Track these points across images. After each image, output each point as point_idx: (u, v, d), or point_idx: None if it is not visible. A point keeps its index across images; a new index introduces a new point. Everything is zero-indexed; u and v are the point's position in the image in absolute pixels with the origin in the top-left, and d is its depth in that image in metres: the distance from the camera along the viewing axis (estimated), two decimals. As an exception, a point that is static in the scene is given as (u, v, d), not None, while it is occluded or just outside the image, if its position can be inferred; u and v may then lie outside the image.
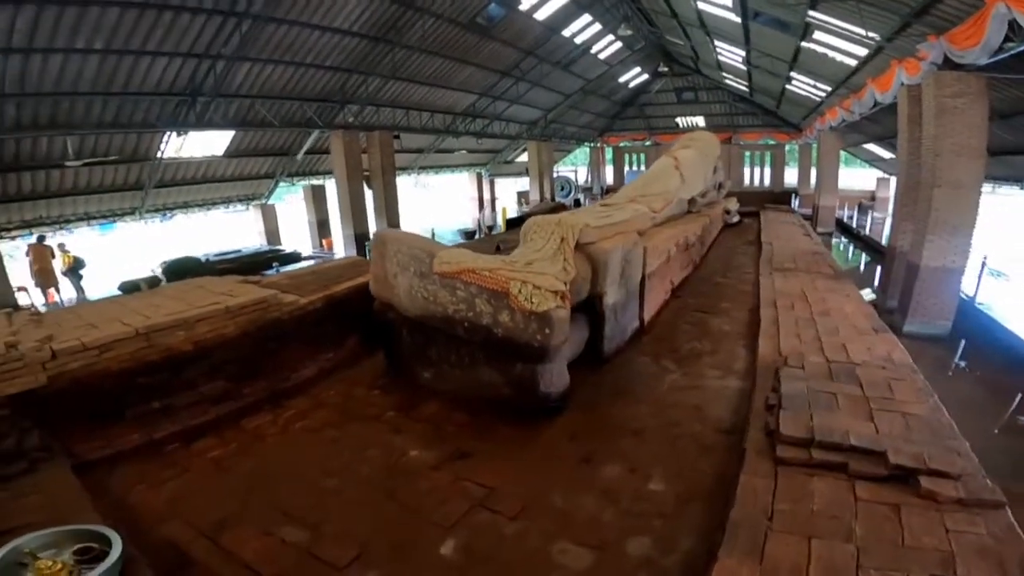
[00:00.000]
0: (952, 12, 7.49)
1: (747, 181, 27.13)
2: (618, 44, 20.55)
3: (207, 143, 13.22)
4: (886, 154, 21.09)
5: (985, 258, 11.22)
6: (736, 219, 12.62)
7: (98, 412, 3.43)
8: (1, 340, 3.37)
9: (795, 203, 22.51)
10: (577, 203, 24.27)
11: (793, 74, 16.25)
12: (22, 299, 11.23)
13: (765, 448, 2.69)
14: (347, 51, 12.69)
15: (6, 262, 12.59)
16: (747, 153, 27.27)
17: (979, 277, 10.94)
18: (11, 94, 8.80)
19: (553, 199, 24.84)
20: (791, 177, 27.23)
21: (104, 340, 3.56)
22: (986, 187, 10.38)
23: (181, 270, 11.00)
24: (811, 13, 10.45)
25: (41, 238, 11.81)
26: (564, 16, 16.22)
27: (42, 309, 8.68)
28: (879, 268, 12.95)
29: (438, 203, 32.23)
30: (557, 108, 24.44)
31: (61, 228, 12.59)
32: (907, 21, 8.71)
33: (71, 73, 9.10)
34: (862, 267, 16.28)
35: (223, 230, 20.55)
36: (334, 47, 12.29)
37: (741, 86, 23.74)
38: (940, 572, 1.86)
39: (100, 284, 12.89)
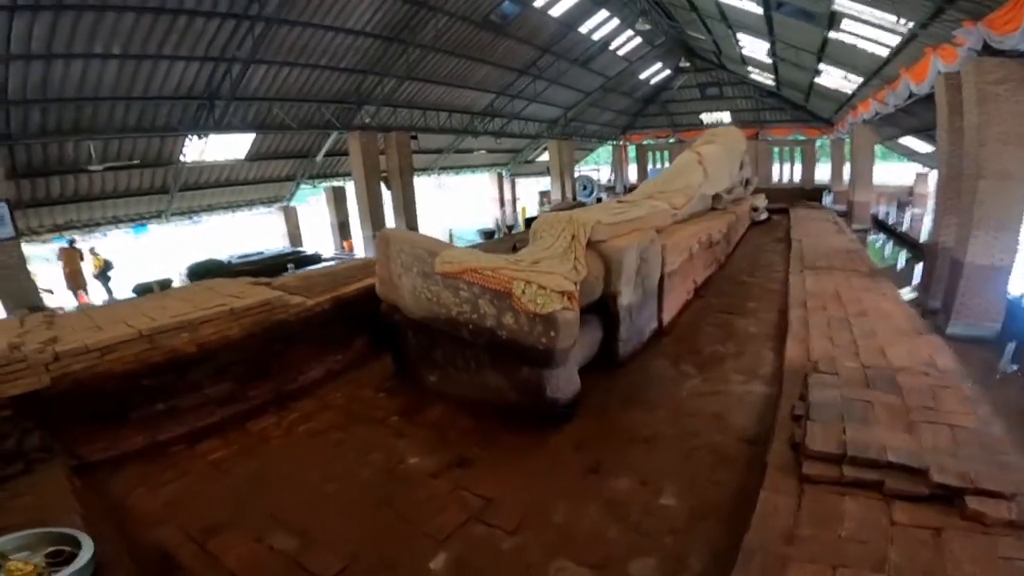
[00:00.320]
0: (989, -4, 7.02)
1: (776, 177, 26.31)
2: (637, 40, 20.18)
3: (228, 146, 13.44)
4: (924, 147, 20.15)
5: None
6: (764, 216, 12.16)
7: (102, 414, 3.43)
8: (7, 341, 3.39)
9: (828, 200, 21.71)
10: (599, 202, 23.91)
11: (821, 66, 15.64)
12: (52, 301, 11.60)
13: (789, 463, 2.42)
14: (361, 52, 12.73)
15: (39, 265, 13.08)
16: (776, 149, 26.43)
17: (1029, 275, 10.21)
18: (34, 100, 9.05)
19: (575, 198, 24.54)
20: (823, 173, 26.29)
21: (107, 342, 3.56)
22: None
23: (204, 272, 11.20)
24: (838, 1, 9.97)
25: (71, 242, 12.17)
26: (580, 12, 15.98)
27: (68, 311, 8.89)
28: (918, 266, 12.28)
29: (460, 204, 32.29)
30: (577, 106, 24.16)
31: (91, 232, 12.97)
32: (940, 6, 8.22)
33: (92, 78, 9.32)
34: (901, 265, 15.53)
35: (250, 232, 21.01)
36: (348, 48, 12.33)
37: (767, 80, 23.06)
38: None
39: (130, 286, 13.19)
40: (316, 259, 14.57)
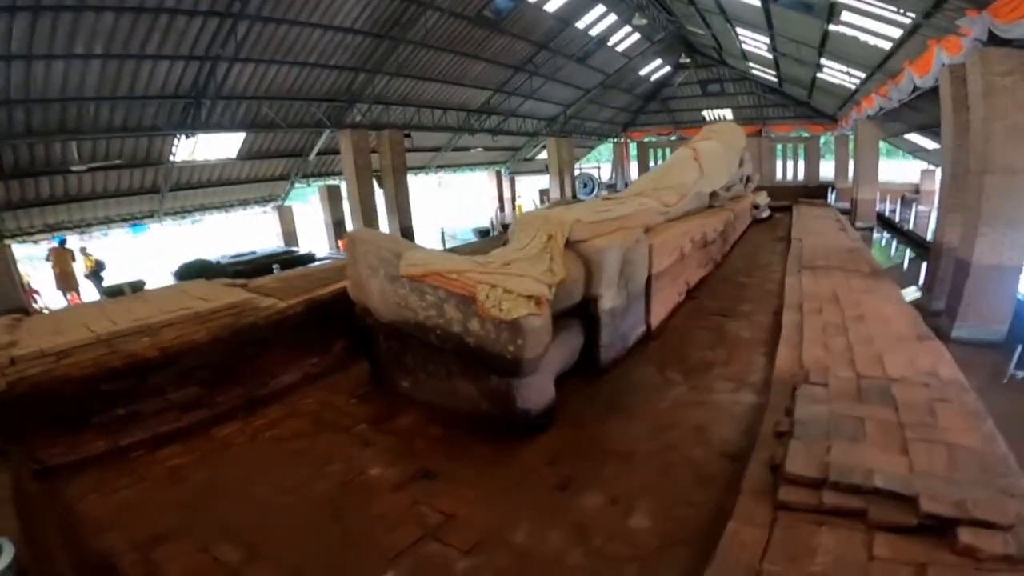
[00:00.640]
0: (995, -18, 6.75)
1: (779, 175, 25.99)
2: (636, 36, 19.91)
3: (220, 146, 13.30)
4: (930, 144, 19.79)
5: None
6: (766, 214, 11.89)
7: (62, 418, 3.36)
8: (-35, 346, 3.32)
9: (832, 197, 21.39)
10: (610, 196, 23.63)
11: (823, 61, 15.35)
12: (47, 302, 11.52)
13: (766, 488, 2.19)
14: (351, 49, 12.55)
15: (31, 266, 13.00)
16: (779, 146, 26.14)
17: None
18: (18, 100, 8.95)
19: (575, 196, 24.29)
20: (827, 170, 25.95)
21: (63, 346, 3.52)
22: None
23: (192, 272, 11.04)
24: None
25: (62, 241, 12.06)
26: (576, 7, 15.75)
27: (46, 313, 8.75)
28: (924, 265, 11.98)
29: (460, 202, 32.14)
30: (576, 103, 23.90)
31: (83, 232, 12.89)
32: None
33: (74, 78, 9.23)
34: (905, 264, 15.22)
35: (247, 231, 21.00)
36: (337, 45, 12.16)
37: (769, 76, 22.74)
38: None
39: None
40: (309, 259, 14.40)
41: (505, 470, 2.98)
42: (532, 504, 2.65)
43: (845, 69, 15.18)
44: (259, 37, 10.50)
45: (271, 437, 3.58)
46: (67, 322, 4.23)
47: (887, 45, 11.29)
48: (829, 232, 9.29)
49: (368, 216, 14.49)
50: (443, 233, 18.51)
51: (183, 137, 11.65)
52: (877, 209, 20.34)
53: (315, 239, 18.34)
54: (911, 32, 9.89)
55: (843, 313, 4.56)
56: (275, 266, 11.97)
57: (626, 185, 28.13)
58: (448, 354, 3.53)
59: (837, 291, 5.28)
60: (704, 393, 3.79)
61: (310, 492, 2.89)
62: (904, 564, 1.75)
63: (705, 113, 27.58)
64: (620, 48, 20.61)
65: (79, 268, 12.47)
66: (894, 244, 18.51)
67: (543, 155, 27.54)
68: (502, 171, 27.53)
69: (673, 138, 28.00)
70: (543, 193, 27.33)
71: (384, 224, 15.71)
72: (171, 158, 12.54)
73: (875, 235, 19.09)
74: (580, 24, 17.06)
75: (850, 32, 11.74)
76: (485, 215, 26.04)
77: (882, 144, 21.18)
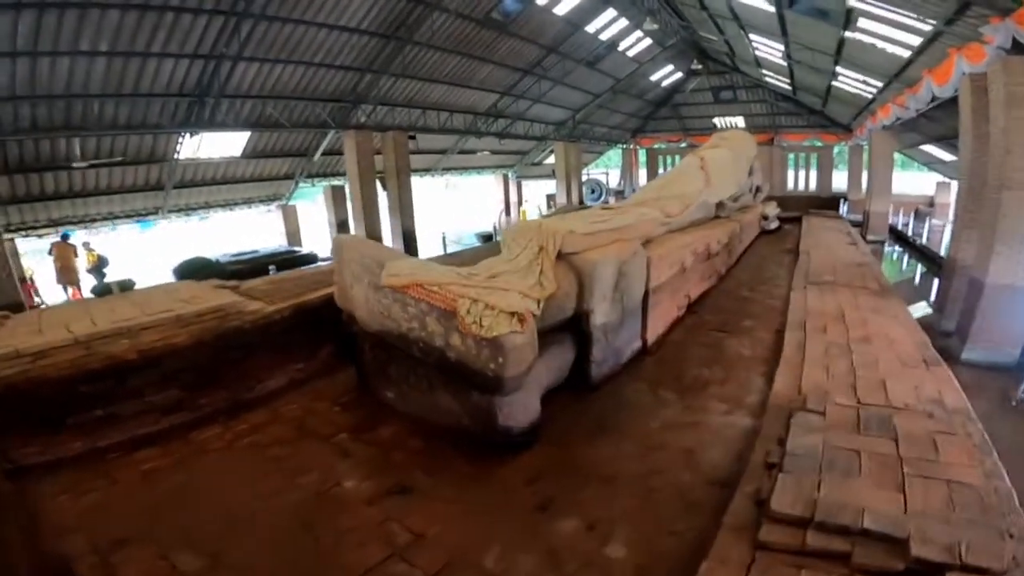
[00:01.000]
0: (1020, -11, 6.54)
1: (791, 185, 25.68)
2: (648, 41, 19.69)
3: (224, 144, 13.30)
4: (946, 156, 19.40)
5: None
6: (775, 225, 11.62)
7: (38, 418, 3.34)
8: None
9: (844, 209, 21.04)
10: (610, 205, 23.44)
11: (839, 69, 15.05)
12: (47, 297, 11.55)
13: (748, 524, 2.05)
14: (357, 49, 12.48)
15: (35, 260, 13.07)
16: (791, 155, 25.80)
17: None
18: (23, 96, 8.98)
19: (581, 202, 24.12)
20: (840, 181, 25.55)
21: (40, 347, 3.54)
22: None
23: (192, 271, 11.02)
24: (852, -1, 9.50)
25: (65, 236, 12.09)
26: (586, 11, 15.57)
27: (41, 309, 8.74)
28: (935, 281, 11.67)
29: (466, 205, 32.07)
30: (585, 108, 23.72)
31: (88, 227, 12.95)
32: (965, 2, 7.69)
33: (80, 76, 9.24)
34: (916, 279, 14.88)
35: (253, 230, 21.11)
36: (344, 46, 12.09)
37: (783, 84, 22.42)
38: None
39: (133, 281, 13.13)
40: (311, 259, 14.34)
41: (483, 488, 2.90)
42: (507, 526, 2.56)
43: (861, 77, 14.90)
44: (264, 36, 10.47)
45: (250, 443, 3.53)
46: (49, 322, 4.27)
47: (906, 53, 11.02)
48: (838, 245, 9.06)
49: (371, 218, 14.43)
50: (444, 238, 18.37)
51: (188, 135, 11.65)
52: (890, 222, 19.99)
53: (321, 239, 18.36)
54: (931, 40, 9.64)
55: (848, 333, 4.39)
56: (271, 267, 11.91)
57: (634, 191, 27.96)
58: (431, 367, 3.41)
59: (843, 309, 5.10)
60: (697, 414, 3.64)
61: (282, 502, 2.83)
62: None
63: (716, 120, 27.28)
64: (631, 53, 20.42)
65: (81, 263, 12.49)
66: (906, 258, 18.16)
67: (551, 160, 27.40)
68: (509, 175, 27.41)
69: (683, 145, 27.75)
70: (550, 198, 27.18)
71: (387, 226, 15.65)
72: (175, 156, 12.56)
73: (886, 248, 18.76)
74: (590, 28, 16.89)
75: (867, 39, 11.48)
76: (490, 219, 25.94)
77: (896, 155, 20.81)
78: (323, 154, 16.25)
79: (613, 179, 31.62)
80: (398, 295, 3.38)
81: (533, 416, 3.27)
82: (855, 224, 14.79)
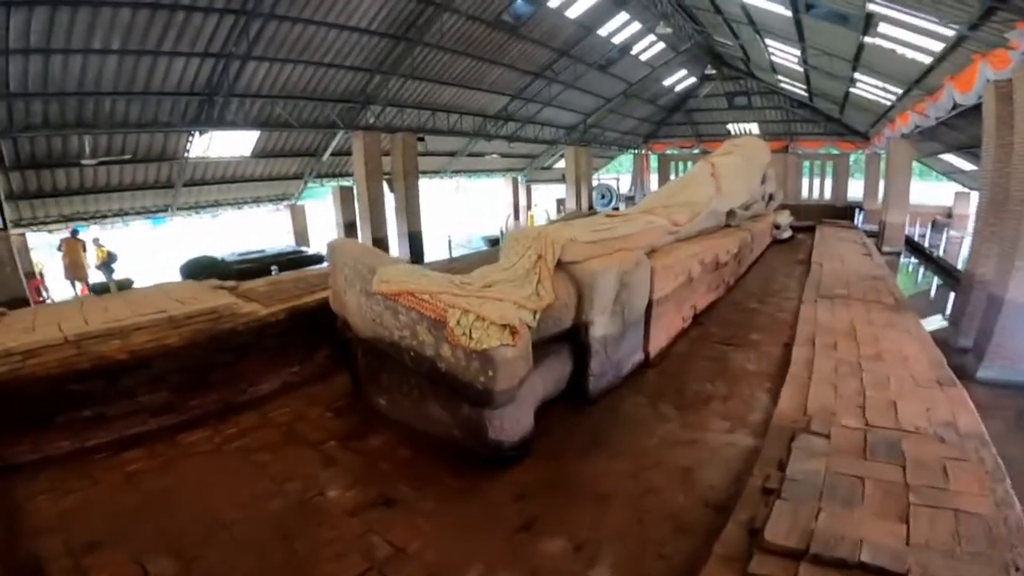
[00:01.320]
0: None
1: (805, 193, 25.25)
2: (661, 45, 19.50)
3: (234, 143, 13.36)
4: (966, 166, 18.96)
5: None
6: (787, 234, 11.35)
7: (27, 417, 3.35)
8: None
9: (859, 218, 20.63)
10: (616, 211, 23.22)
11: (857, 75, 14.77)
12: (56, 292, 11.65)
13: (739, 554, 1.93)
14: (367, 50, 12.48)
15: (45, 255, 13.23)
16: (806, 163, 25.39)
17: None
18: (36, 93, 9.10)
19: (591, 207, 23.94)
20: (856, 190, 25.09)
21: (30, 346, 3.51)
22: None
23: (197, 270, 11.05)
24: (872, 3, 9.26)
25: (75, 232, 12.20)
26: (598, 14, 15.43)
27: (50, 304, 8.79)
28: (952, 295, 11.35)
29: (476, 207, 32.01)
30: (597, 112, 23.56)
31: (98, 223, 13.09)
32: (990, 7, 7.45)
33: (91, 73, 9.34)
34: (932, 292, 14.51)
35: (263, 229, 21.25)
36: (353, 46, 12.09)
37: (799, 90, 22.09)
38: None
39: (136, 278, 13.22)
40: (318, 260, 14.36)
41: (468, 503, 2.82)
42: (490, 543, 2.48)
43: (880, 84, 14.60)
44: (274, 36, 10.50)
45: (237, 447, 3.49)
46: (42, 320, 4.24)
47: (927, 59, 10.77)
48: (852, 257, 8.82)
49: (377, 219, 14.41)
50: (450, 242, 18.30)
51: (197, 134, 11.72)
52: (906, 233, 19.57)
53: (329, 238, 18.36)
54: (954, 45, 9.41)
55: (859, 350, 4.21)
56: (273, 268, 11.91)
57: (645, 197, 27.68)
58: (422, 377, 3.32)
59: (855, 324, 4.91)
60: (697, 431, 3.49)
61: (264, 509, 2.79)
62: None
63: (730, 127, 26.97)
64: (644, 57, 20.24)
65: (91, 259, 12.59)
66: (922, 271, 17.75)
67: (561, 164, 27.26)
68: (519, 178, 27.32)
69: (696, 151, 27.45)
70: (560, 203, 27.03)
71: (393, 228, 15.61)
72: (186, 154, 12.64)
73: (902, 260, 18.35)
74: (602, 31, 16.75)
75: (887, 45, 11.23)
76: (498, 223, 25.85)
77: (914, 164, 20.37)
78: (332, 154, 16.29)
79: (624, 184, 31.36)
80: (389, 302, 3.28)
81: (525, 430, 3.15)
82: (870, 235, 14.46)
